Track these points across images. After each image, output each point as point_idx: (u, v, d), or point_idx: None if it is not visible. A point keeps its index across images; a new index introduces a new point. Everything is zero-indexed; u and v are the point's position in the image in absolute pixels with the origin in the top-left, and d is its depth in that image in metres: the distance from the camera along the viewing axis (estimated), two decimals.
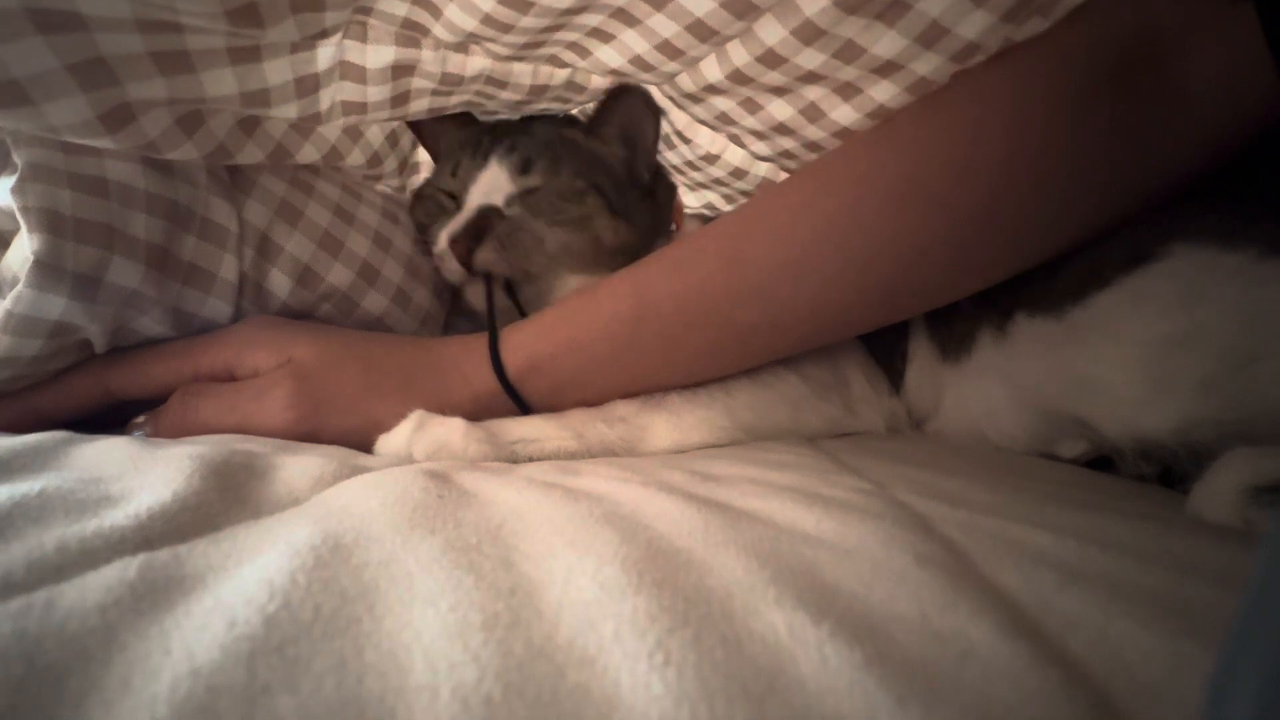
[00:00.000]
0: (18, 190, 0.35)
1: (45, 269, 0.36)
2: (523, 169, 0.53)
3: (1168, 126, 0.39)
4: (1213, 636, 0.19)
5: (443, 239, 0.53)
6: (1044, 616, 0.21)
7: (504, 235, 0.52)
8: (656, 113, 0.54)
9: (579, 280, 0.53)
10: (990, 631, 0.19)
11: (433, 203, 0.57)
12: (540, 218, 0.53)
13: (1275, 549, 0.15)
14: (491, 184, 0.54)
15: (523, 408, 0.46)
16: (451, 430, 0.41)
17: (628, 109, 0.53)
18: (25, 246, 0.36)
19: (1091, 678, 0.18)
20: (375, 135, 0.55)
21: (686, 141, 0.57)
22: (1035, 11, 0.37)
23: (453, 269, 0.53)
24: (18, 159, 0.36)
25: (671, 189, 0.62)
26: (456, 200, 0.55)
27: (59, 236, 0.36)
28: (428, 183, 0.58)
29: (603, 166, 0.56)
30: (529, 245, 0.52)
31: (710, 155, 0.57)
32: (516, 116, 0.58)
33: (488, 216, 0.52)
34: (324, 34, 0.40)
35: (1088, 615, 0.20)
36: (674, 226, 0.61)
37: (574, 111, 0.58)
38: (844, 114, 0.44)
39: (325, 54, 0.41)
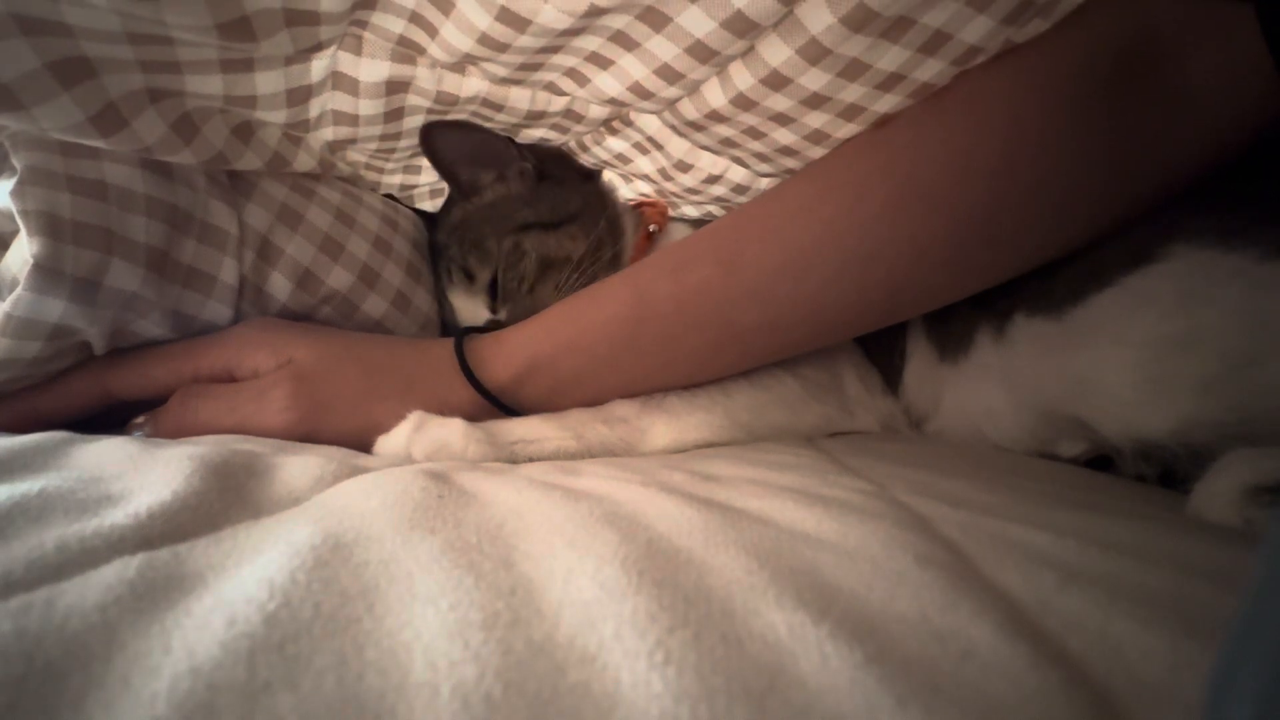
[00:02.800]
0: (17, 194, 0.35)
1: (44, 272, 0.36)
2: (469, 280, 0.57)
3: (1167, 127, 0.39)
4: (1213, 636, 0.19)
5: None
6: (1044, 616, 0.21)
7: None
8: (478, 129, 0.53)
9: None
10: (991, 631, 0.19)
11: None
12: (517, 298, 0.56)
13: (1276, 549, 0.15)
14: (469, 310, 0.58)
15: (508, 414, 0.46)
16: (451, 431, 0.41)
17: (445, 143, 0.53)
18: (24, 249, 0.36)
19: (1091, 678, 0.18)
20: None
21: (687, 169, 0.57)
22: (1036, 14, 0.37)
23: None
24: (16, 162, 0.36)
25: (586, 172, 0.62)
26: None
27: (58, 240, 0.36)
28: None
29: (502, 204, 0.58)
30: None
31: (712, 177, 0.57)
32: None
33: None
34: (319, 47, 0.40)
35: (1088, 615, 0.20)
36: (654, 228, 0.62)
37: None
38: (849, 131, 0.43)
39: (320, 66, 0.41)
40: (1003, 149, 0.40)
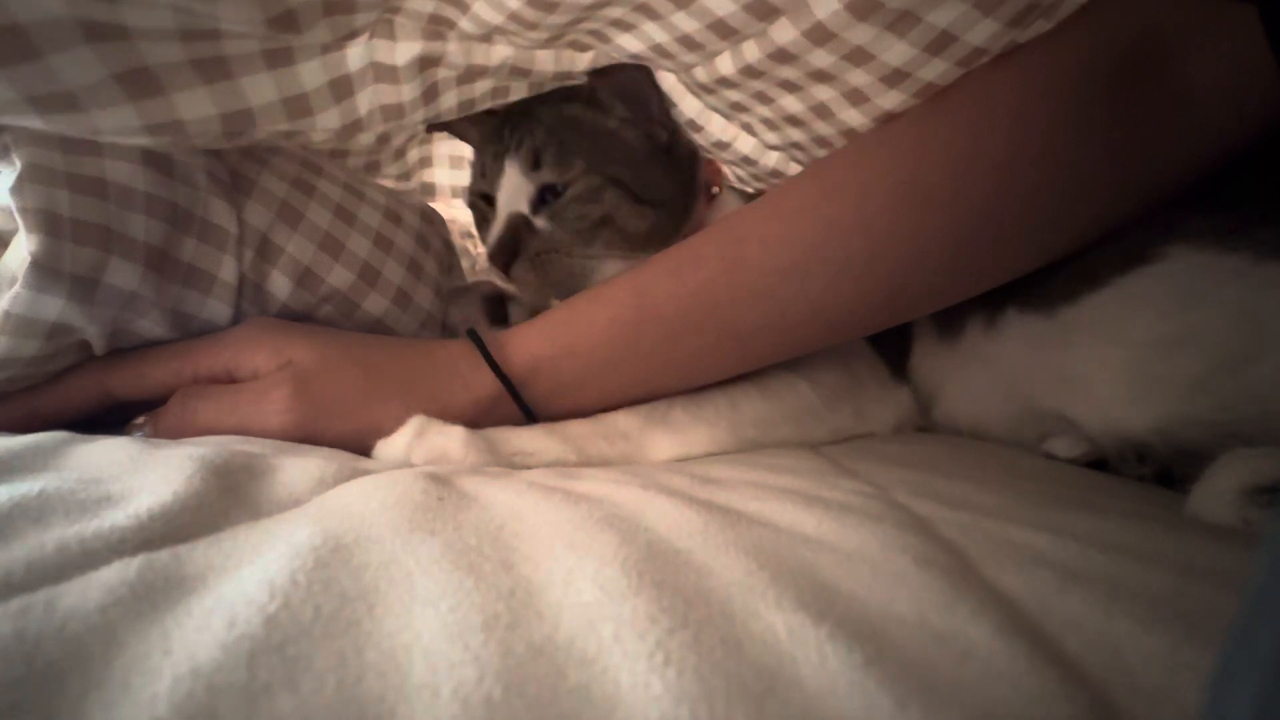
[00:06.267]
0: (16, 190, 0.35)
1: (43, 270, 0.36)
2: (534, 164, 0.53)
3: (1170, 127, 0.39)
4: (1212, 637, 0.19)
5: (487, 245, 0.55)
6: (1044, 617, 0.21)
7: (534, 257, 0.53)
8: (654, 84, 0.53)
9: (617, 268, 0.52)
10: (990, 632, 0.19)
11: (476, 210, 0.59)
12: (566, 228, 0.53)
13: (1274, 550, 0.15)
14: (512, 187, 0.54)
15: (527, 411, 0.45)
16: (451, 439, 0.40)
17: (621, 78, 0.52)
18: (23, 247, 0.36)
19: (1091, 678, 0.18)
20: None
21: (699, 130, 0.57)
22: (1040, 15, 0.37)
23: (501, 280, 0.55)
24: (16, 159, 0.36)
25: (693, 152, 0.60)
26: (491, 203, 0.56)
27: (57, 238, 0.36)
28: (470, 187, 0.59)
29: (615, 144, 0.55)
30: (560, 265, 0.53)
31: (721, 143, 0.57)
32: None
33: (517, 228, 0.53)
34: (353, 34, 0.40)
35: (1087, 616, 0.20)
36: (715, 189, 0.60)
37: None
38: (852, 116, 0.44)
39: (355, 54, 0.41)
40: (1006, 149, 0.40)
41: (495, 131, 0.57)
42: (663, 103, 0.55)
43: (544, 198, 0.54)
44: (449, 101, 0.48)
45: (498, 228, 0.54)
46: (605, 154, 0.54)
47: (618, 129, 0.55)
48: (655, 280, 0.45)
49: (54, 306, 0.37)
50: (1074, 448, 0.45)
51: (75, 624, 0.18)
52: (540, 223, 0.54)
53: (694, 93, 0.52)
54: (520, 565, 0.23)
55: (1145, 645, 0.19)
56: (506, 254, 0.53)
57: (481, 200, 0.58)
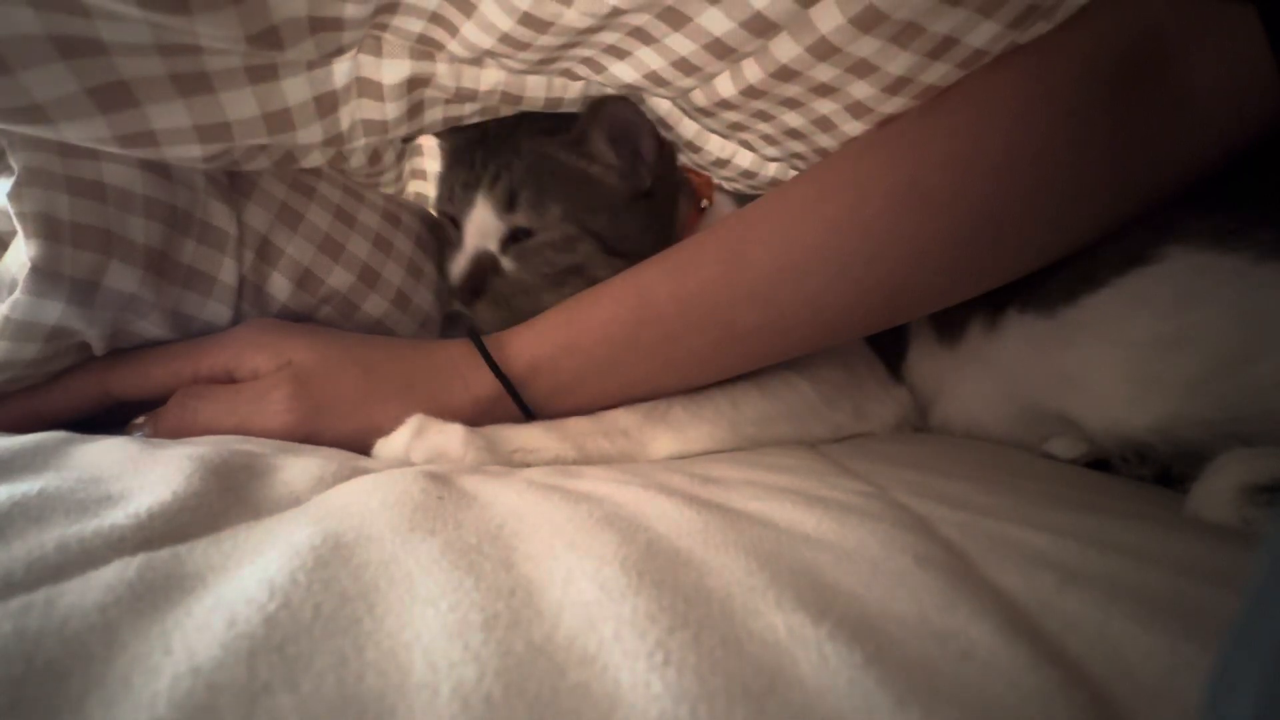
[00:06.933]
0: (14, 195, 0.35)
1: (42, 274, 0.36)
2: (508, 205, 0.52)
3: (1170, 128, 0.40)
4: (1212, 637, 0.19)
5: (451, 278, 0.54)
6: (1044, 617, 0.21)
7: (499, 297, 0.52)
8: (645, 119, 0.51)
9: None
10: (990, 632, 0.19)
11: (444, 229, 0.57)
12: (532, 272, 0.52)
13: (1274, 550, 0.15)
14: (482, 223, 0.53)
15: (526, 411, 0.45)
16: (450, 437, 0.40)
17: (612, 115, 0.50)
18: (22, 251, 0.36)
19: (1091, 678, 0.18)
20: None
21: (696, 150, 0.57)
22: (1040, 16, 0.37)
23: (462, 307, 0.54)
24: (14, 163, 0.36)
25: (675, 188, 0.58)
26: (459, 228, 0.55)
27: (56, 241, 0.36)
28: (437, 205, 0.58)
29: (596, 193, 0.53)
30: (524, 306, 0.51)
31: (720, 160, 0.57)
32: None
33: (484, 268, 0.53)
34: (339, 51, 0.40)
35: (1087, 616, 0.20)
36: (705, 203, 0.59)
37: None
38: (855, 128, 0.44)
39: (341, 70, 0.41)
40: (1005, 150, 0.40)
41: (466, 151, 0.54)
42: (654, 137, 0.53)
43: (514, 235, 0.53)
44: (434, 116, 0.48)
45: (464, 262, 0.53)
46: (584, 203, 0.52)
47: (601, 176, 0.53)
48: (655, 280, 0.45)
49: (54, 310, 0.37)
50: (1074, 448, 0.45)
51: (75, 623, 0.18)
52: (508, 264, 0.53)
53: (691, 116, 0.51)
54: (520, 564, 0.23)
55: (1145, 645, 0.19)
56: (472, 291, 0.52)
57: (448, 220, 0.56)
